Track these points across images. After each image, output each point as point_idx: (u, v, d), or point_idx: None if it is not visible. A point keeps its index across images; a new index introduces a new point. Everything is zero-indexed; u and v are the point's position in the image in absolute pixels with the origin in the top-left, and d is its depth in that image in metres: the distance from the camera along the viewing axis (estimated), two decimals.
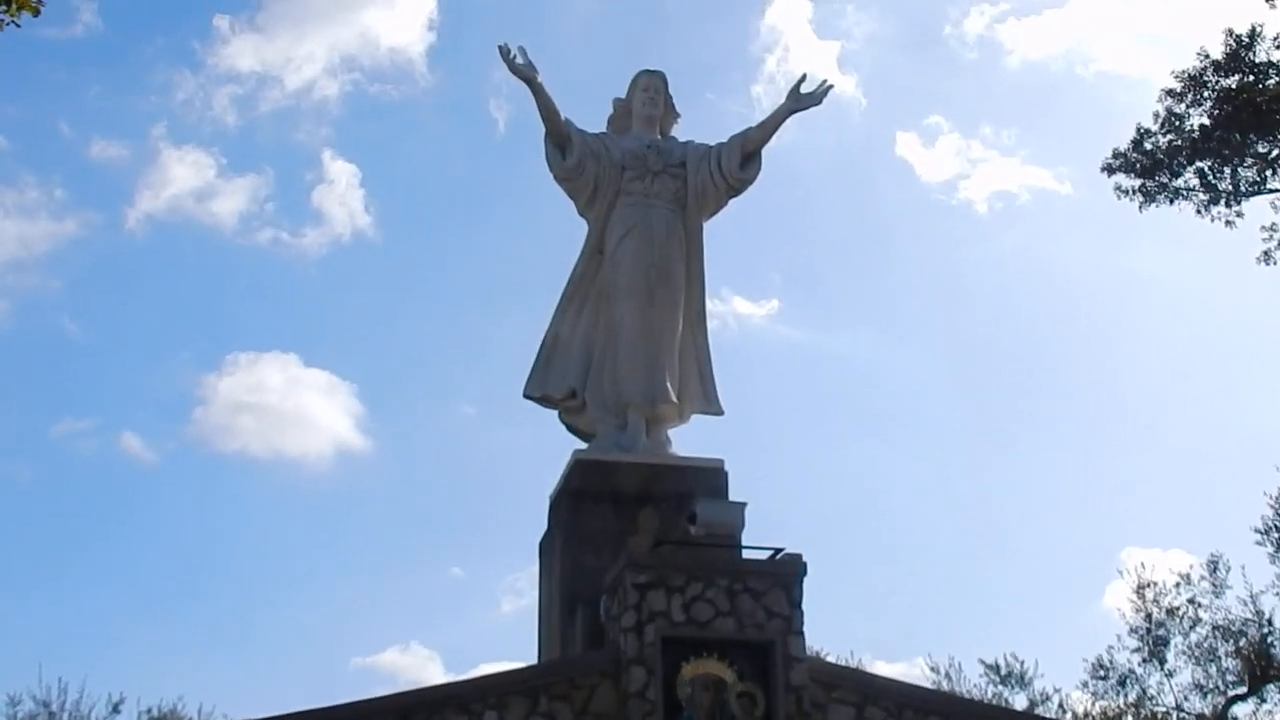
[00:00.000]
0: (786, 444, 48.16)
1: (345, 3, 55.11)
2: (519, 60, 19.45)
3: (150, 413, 52.33)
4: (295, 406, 53.66)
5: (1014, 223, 54.81)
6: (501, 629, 46.55)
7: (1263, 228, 27.33)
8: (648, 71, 20.89)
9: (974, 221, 54.99)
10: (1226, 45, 27.17)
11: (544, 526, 19.53)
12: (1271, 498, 29.69)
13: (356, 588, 48.92)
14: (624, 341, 19.62)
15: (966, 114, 59.18)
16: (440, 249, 54.38)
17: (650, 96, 20.63)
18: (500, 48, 19.51)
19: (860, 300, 54.00)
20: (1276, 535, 29.81)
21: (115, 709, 30.11)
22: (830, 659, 24.63)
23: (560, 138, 20.02)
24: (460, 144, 56.13)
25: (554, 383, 19.94)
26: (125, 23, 53.99)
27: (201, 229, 52.54)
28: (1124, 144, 28.05)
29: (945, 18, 56.51)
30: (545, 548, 19.30)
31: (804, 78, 20.29)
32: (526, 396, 19.97)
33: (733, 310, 49.34)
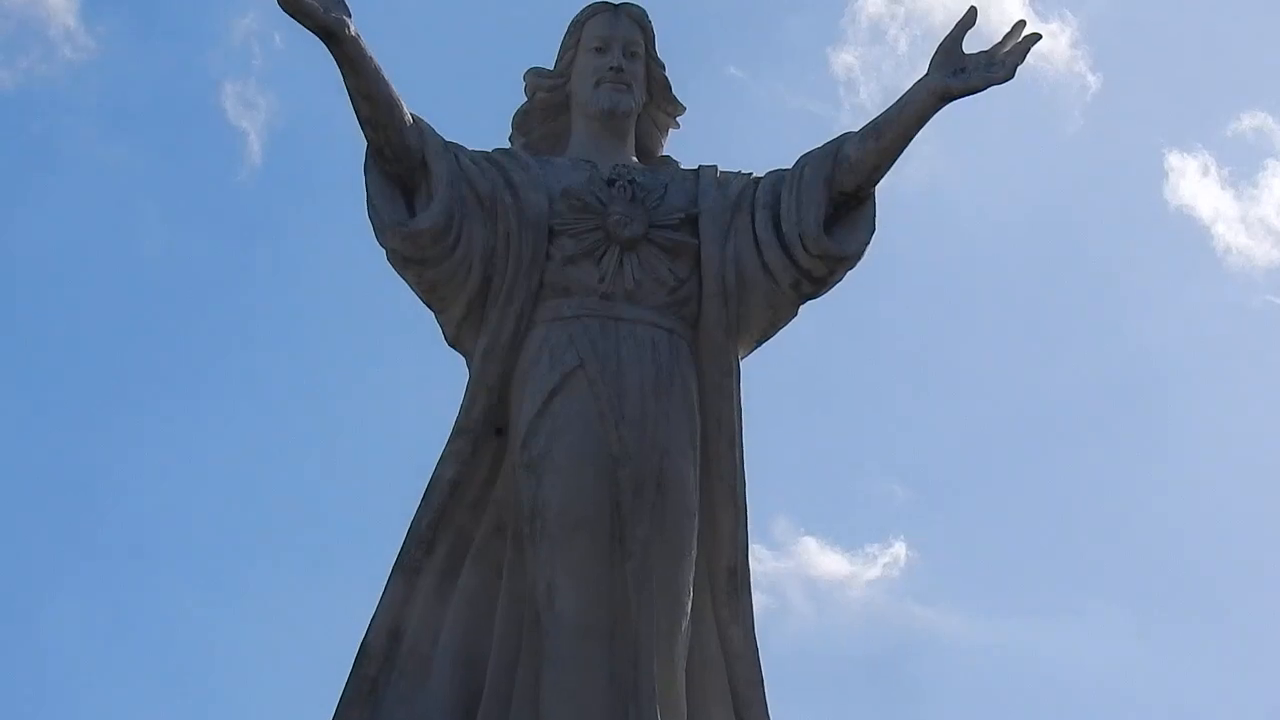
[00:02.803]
0: None
1: None
2: None
3: None
4: None
5: None
6: None
7: None
8: (608, 6, 12.30)
9: None
10: None
11: None
12: None
13: None
14: (556, 643, 11.63)
15: None
16: (129, 426, 29.55)
17: (612, 66, 12.04)
18: None
19: (1076, 555, 31.12)
20: None
21: None
22: None
23: (402, 158, 11.79)
24: (158, 185, 31.50)
25: None
26: None
27: None
28: None
29: None
30: None
31: (972, 16, 11.43)
32: None
33: (805, 568, 28.69)
